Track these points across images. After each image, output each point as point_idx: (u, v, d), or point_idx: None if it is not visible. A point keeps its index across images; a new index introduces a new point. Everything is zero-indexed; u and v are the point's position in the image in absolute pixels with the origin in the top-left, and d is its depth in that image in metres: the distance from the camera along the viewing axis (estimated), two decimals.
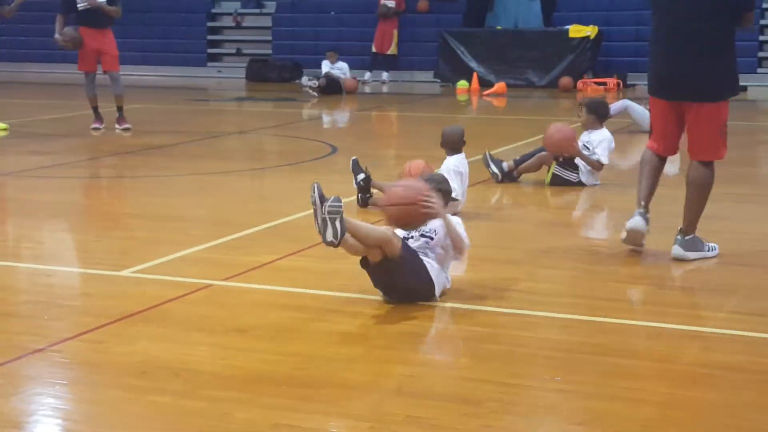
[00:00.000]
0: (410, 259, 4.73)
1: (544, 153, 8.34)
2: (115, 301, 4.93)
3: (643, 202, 5.82)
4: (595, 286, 5.36)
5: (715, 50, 5.62)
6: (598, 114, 8.41)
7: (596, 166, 8.12)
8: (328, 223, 4.44)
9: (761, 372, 3.97)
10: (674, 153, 5.89)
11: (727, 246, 5.95)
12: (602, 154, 8.16)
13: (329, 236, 4.45)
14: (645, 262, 5.79)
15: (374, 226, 4.71)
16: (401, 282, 4.74)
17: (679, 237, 5.74)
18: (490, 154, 8.30)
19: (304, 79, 17.14)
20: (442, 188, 5.16)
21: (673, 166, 6.47)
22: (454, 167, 6.83)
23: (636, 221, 5.76)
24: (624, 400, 3.69)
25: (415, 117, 14.81)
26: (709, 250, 5.78)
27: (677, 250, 5.70)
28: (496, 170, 8.24)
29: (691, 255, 5.70)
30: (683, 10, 5.64)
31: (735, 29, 5.71)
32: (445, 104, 16.76)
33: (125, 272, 5.43)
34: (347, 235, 4.53)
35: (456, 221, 5.03)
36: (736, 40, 5.80)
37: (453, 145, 6.97)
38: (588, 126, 8.35)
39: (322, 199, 4.49)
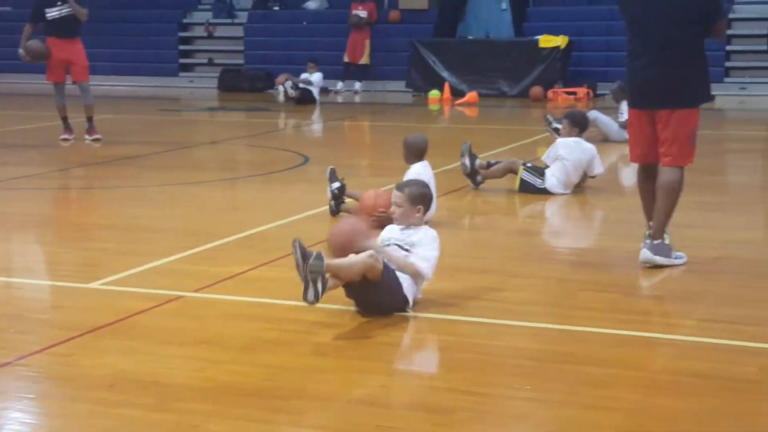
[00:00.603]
0: (388, 279, 4.74)
1: (513, 161, 8.42)
2: (84, 313, 4.89)
3: (650, 231, 5.84)
4: (565, 294, 5.38)
5: (687, 59, 5.74)
6: (581, 127, 8.53)
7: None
8: (310, 283, 4.45)
9: (729, 379, 4.00)
10: (656, 159, 5.91)
11: (695, 254, 6.00)
12: (598, 165, 8.31)
13: (310, 297, 4.47)
14: (614, 270, 5.82)
15: (356, 257, 4.66)
16: (376, 300, 4.76)
17: (647, 241, 5.78)
18: (470, 147, 8.33)
19: (288, 84, 17.08)
20: (417, 191, 5.15)
21: (631, 174, 6.55)
22: (416, 175, 6.82)
23: (643, 254, 5.76)
24: (594, 408, 3.70)
25: (387, 126, 14.84)
26: (676, 258, 5.82)
27: (645, 254, 5.75)
28: (467, 163, 8.28)
29: (659, 259, 5.75)
30: (656, 21, 5.76)
31: (705, 39, 5.82)
32: (417, 114, 16.80)
33: (95, 284, 5.39)
34: (330, 276, 4.55)
35: (429, 235, 5.05)
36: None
37: (418, 153, 6.97)
38: (568, 137, 8.42)
39: (305, 257, 4.46)
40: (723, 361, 4.21)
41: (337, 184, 7.19)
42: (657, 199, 5.77)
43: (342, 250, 4.77)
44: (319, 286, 4.45)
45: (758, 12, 18.49)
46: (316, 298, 4.47)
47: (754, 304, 5.08)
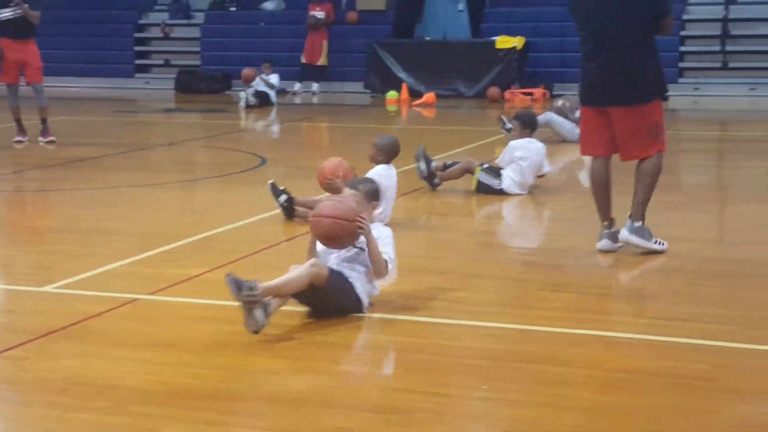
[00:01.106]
0: (336, 283, 4.72)
1: (469, 162, 8.46)
2: (38, 317, 4.84)
3: (606, 222, 6.06)
4: (521, 294, 5.42)
5: (639, 57, 5.90)
6: (532, 127, 8.58)
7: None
8: (248, 313, 4.42)
9: (682, 376, 4.05)
10: (614, 152, 6.09)
11: (649, 252, 6.07)
12: (546, 164, 8.39)
13: (251, 327, 4.43)
14: (570, 270, 5.87)
15: (298, 270, 4.66)
16: (328, 305, 4.76)
17: (628, 222, 6.00)
18: (424, 150, 8.34)
19: (251, 91, 16.97)
20: (371, 187, 5.16)
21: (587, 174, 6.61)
22: (377, 175, 6.81)
23: (603, 244, 6.01)
24: (550, 406, 3.73)
25: (345, 128, 14.82)
26: (657, 243, 6.01)
27: (623, 234, 6.00)
28: (423, 167, 8.30)
29: (635, 240, 5.97)
30: (607, 21, 5.90)
31: (655, 35, 6.00)
32: (374, 115, 16.81)
33: (49, 287, 5.33)
34: (272, 298, 4.52)
35: (386, 233, 5.05)
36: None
37: (390, 154, 6.92)
38: (521, 138, 8.46)
39: (239, 288, 4.42)
40: (677, 359, 4.26)
41: (283, 197, 7.01)
42: (636, 185, 5.99)
43: (329, 240, 4.77)
44: (258, 313, 4.42)
45: (711, 13, 18.74)
46: (257, 328, 4.42)
47: (705, 301, 5.14)
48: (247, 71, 17.36)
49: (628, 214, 6.03)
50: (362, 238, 4.89)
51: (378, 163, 6.92)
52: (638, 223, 5.98)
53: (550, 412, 3.68)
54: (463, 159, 8.82)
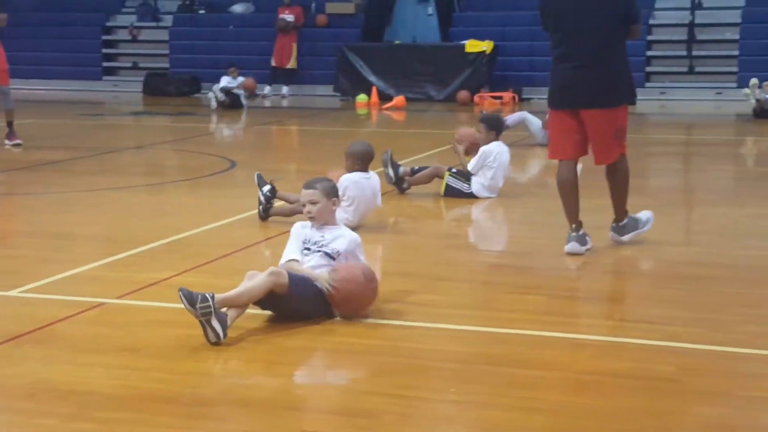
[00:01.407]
0: (299, 290, 4.68)
1: (437, 167, 8.48)
2: (3, 321, 4.79)
3: (573, 225, 6.13)
4: (490, 297, 5.43)
5: (611, 61, 6.03)
6: (498, 129, 8.59)
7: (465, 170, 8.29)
8: (205, 325, 4.38)
9: (649, 378, 4.08)
10: (582, 154, 6.23)
11: (617, 255, 6.12)
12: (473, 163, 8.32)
13: (211, 338, 4.39)
14: (538, 273, 5.90)
15: (255, 280, 4.62)
16: (292, 311, 4.73)
17: (613, 225, 6.30)
18: (391, 156, 8.35)
19: (217, 88, 16.93)
20: (329, 185, 5.11)
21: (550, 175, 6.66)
22: (350, 181, 6.81)
23: (571, 246, 6.08)
24: (518, 409, 3.74)
25: (315, 131, 14.81)
26: (643, 227, 6.35)
27: (612, 236, 6.31)
28: (391, 173, 8.31)
29: (625, 238, 6.28)
30: (584, 22, 6.01)
31: (625, 41, 6.12)
32: (344, 118, 16.81)
33: (14, 292, 5.28)
34: (229, 309, 4.50)
35: (356, 242, 5.03)
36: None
37: (367, 161, 6.90)
38: (487, 141, 8.47)
39: (192, 303, 4.37)
40: (643, 361, 4.29)
41: (267, 187, 7.14)
42: (614, 191, 6.22)
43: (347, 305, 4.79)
44: (215, 324, 4.38)
45: (677, 18, 18.92)
46: (217, 338, 4.39)
47: (672, 304, 5.18)
48: (249, 82, 17.63)
49: (613, 218, 6.29)
50: (333, 246, 4.91)
51: (354, 171, 6.87)
52: (623, 222, 6.29)
53: (519, 415, 3.69)
54: (433, 163, 8.84)
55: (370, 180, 6.87)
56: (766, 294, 5.42)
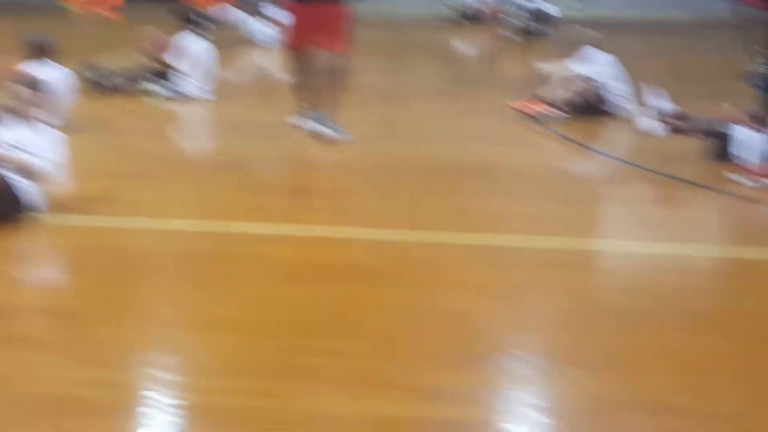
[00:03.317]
0: None
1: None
2: None
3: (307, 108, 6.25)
4: (208, 195, 5.43)
5: None
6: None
7: None
8: None
9: (352, 267, 4.26)
10: (313, 46, 6.28)
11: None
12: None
13: None
14: (257, 170, 5.95)
15: None
16: None
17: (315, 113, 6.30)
18: (89, 62, 8.07)
19: None
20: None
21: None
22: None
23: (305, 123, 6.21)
24: (235, 304, 3.76)
25: None
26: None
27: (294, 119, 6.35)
28: (89, 74, 8.19)
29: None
30: None
31: None
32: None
33: None
34: None
35: (57, 137, 4.88)
36: None
37: (45, 52, 6.69)
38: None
39: None
40: (356, 252, 4.44)
41: None
42: (329, 81, 6.25)
43: None
44: None
45: None
46: None
47: (375, 198, 5.38)
48: None
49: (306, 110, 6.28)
50: (24, 139, 4.73)
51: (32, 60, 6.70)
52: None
53: (236, 310, 3.69)
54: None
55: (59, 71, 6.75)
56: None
